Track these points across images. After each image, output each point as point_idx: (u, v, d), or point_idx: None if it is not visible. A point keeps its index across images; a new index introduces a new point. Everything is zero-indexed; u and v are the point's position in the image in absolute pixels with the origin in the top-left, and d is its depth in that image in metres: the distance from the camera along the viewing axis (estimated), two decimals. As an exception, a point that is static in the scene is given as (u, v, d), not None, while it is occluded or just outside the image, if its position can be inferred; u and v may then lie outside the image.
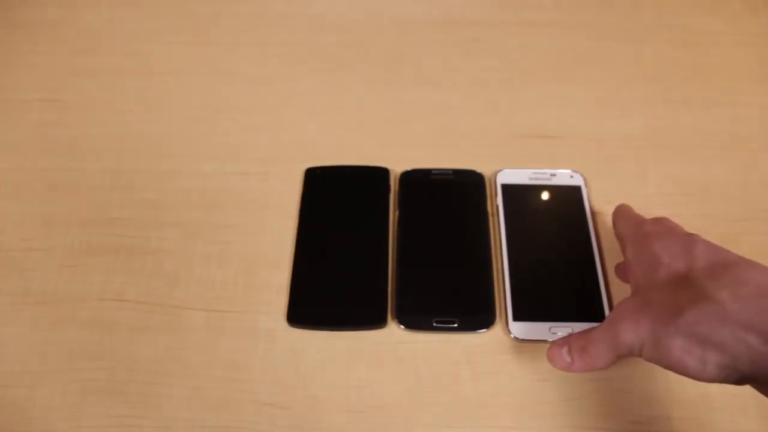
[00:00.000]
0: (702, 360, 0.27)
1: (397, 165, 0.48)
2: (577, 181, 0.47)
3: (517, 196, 0.46)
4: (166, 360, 0.40)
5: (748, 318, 0.26)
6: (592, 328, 0.33)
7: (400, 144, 0.50)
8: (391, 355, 0.40)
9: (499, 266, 0.43)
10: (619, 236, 0.38)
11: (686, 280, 0.29)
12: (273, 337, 0.41)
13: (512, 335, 0.40)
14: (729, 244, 0.44)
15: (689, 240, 0.31)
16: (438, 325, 0.41)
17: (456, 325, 0.41)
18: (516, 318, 0.41)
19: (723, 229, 0.45)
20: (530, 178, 0.47)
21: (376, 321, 0.41)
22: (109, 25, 0.59)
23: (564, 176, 0.47)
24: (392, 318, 0.41)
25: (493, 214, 0.46)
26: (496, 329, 0.41)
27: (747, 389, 0.38)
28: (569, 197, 0.46)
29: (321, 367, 0.40)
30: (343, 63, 0.56)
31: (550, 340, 0.40)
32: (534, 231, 0.45)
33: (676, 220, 0.38)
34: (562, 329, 0.40)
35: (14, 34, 0.59)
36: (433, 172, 0.48)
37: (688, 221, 0.38)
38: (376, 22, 0.59)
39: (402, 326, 0.41)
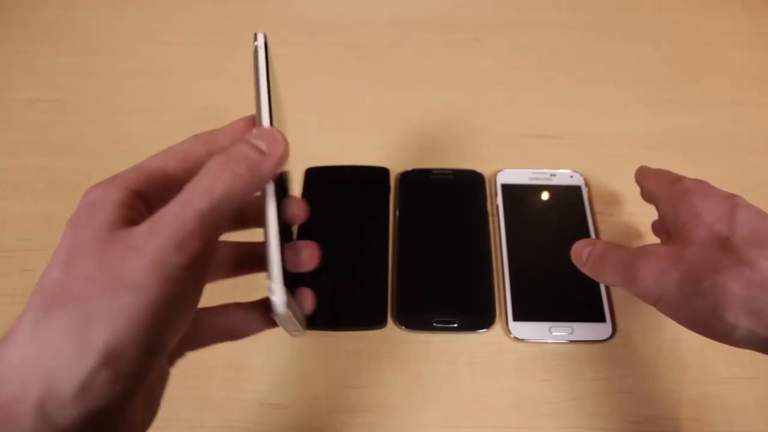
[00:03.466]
0: (732, 324, 0.25)
1: (397, 165, 0.48)
2: (577, 181, 0.47)
3: (517, 195, 0.46)
4: (166, 360, 0.40)
5: None
6: (622, 248, 0.31)
7: (400, 144, 0.50)
8: (391, 355, 0.40)
9: (499, 266, 0.43)
10: (651, 193, 0.34)
11: (727, 244, 0.27)
12: (273, 337, 0.41)
13: (512, 335, 0.40)
14: (729, 244, 0.44)
15: (733, 202, 0.29)
16: (438, 325, 0.41)
17: (456, 325, 0.41)
18: (516, 318, 0.41)
19: (723, 229, 0.45)
20: (530, 178, 0.47)
21: (376, 321, 0.41)
22: (109, 25, 0.59)
23: (564, 176, 0.47)
24: (392, 318, 0.41)
25: (493, 214, 0.46)
26: (496, 329, 0.41)
27: (748, 389, 0.39)
28: (569, 197, 0.46)
29: (321, 367, 0.40)
30: (343, 63, 0.56)
31: (550, 340, 0.40)
32: (534, 231, 0.45)
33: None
34: (562, 329, 0.40)
35: (14, 34, 0.59)
36: (433, 172, 0.48)
37: (688, 221, 0.38)
38: (376, 22, 0.59)
39: (402, 326, 0.41)
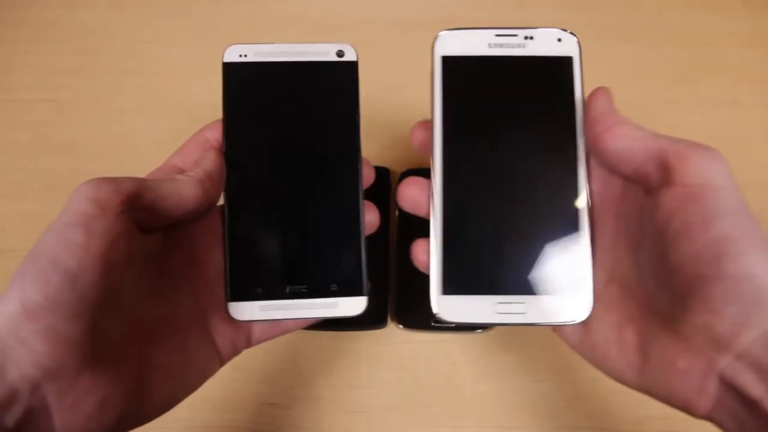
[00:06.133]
0: None
1: (397, 165, 0.48)
2: (566, 48, 0.29)
3: (469, 79, 0.28)
4: (166, 360, 0.40)
5: None
6: None
7: (400, 144, 0.50)
8: (391, 355, 0.41)
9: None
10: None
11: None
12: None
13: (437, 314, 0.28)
14: (729, 244, 0.44)
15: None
16: (435, 324, 0.41)
17: (454, 325, 0.41)
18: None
19: (723, 229, 0.45)
20: (491, 45, 0.28)
21: (376, 321, 0.41)
22: (109, 25, 0.59)
23: (546, 40, 0.28)
24: (391, 317, 0.41)
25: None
26: (496, 329, 0.41)
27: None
28: (551, 77, 0.29)
29: (321, 367, 0.40)
30: (343, 63, 0.56)
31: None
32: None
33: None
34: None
35: (14, 34, 0.59)
36: (432, 172, 0.47)
37: (687, 221, 0.38)
38: (376, 21, 0.59)
39: (400, 325, 0.41)
